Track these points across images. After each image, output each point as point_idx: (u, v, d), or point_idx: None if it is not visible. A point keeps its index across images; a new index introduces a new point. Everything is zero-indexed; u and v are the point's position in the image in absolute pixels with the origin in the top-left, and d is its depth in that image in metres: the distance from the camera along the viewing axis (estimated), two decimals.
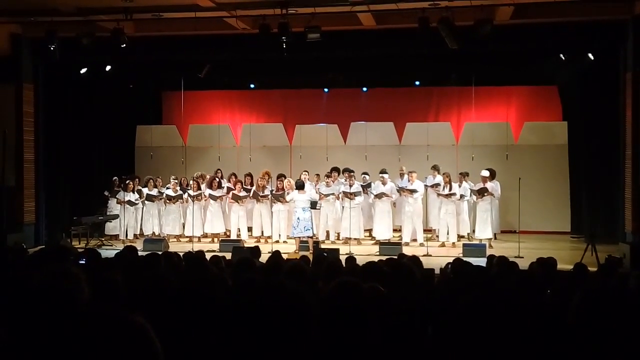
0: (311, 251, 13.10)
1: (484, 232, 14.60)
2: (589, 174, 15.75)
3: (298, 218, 14.11)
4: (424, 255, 11.94)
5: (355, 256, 9.59)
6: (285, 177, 15.27)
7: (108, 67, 16.42)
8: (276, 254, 8.60)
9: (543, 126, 17.35)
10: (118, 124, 18.12)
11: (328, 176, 15.28)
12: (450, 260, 8.02)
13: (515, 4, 12.17)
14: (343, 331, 2.72)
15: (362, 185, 15.12)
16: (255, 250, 10.11)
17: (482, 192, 14.55)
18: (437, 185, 14.97)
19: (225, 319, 2.94)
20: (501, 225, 16.13)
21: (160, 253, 7.27)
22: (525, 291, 5.37)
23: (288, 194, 14.67)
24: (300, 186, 14.38)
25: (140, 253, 7.55)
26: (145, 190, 16.14)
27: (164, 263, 6.19)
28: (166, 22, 13.80)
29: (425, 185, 15.14)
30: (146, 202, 16.10)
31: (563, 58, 15.09)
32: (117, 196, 15.98)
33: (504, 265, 7.04)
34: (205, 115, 19.49)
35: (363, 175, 15.41)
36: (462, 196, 14.79)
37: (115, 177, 16.38)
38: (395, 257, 8.02)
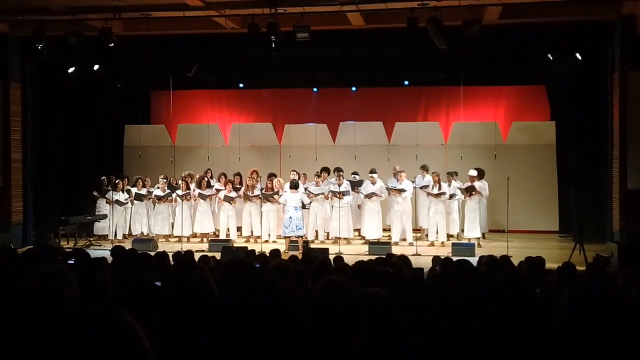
0: (301, 251, 13.10)
1: (473, 231, 14.64)
2: (577, 174, 15.84)
3: (290, 217, 14.04)
4: (413, 255, 11.96)
5: (345, 256, 9.61)
6: (275, 177, 15.25)
7: (96, 67, 16.34)
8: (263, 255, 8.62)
9: (531, 126, 17.42)
10: (106, 124, 18.06)
11: (318, 176, 15.24)
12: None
13: (504, 4, 12.22)
14: (332, 330, 2.72)
15: (352, 183, 15.11)
16: (245, 250, 10.12)
17: (469, 191, 14.58)
18: (426, 186, 14.99)
19: (215, 318, 2.93)
20: (490, 225, 16.16)
21: (152, 254, 7.25)
22: (514, 290, 5.39)
23: (280, 194, 14.67)
24: (294, 185, 14.35)
25: None
26: (134, 190, 16.07)
27: (154, 263, 6.17)
28: (155, 21, 13.75)
29: (415, 187, 15.15)
30: (135, 201, 16.02)
31: (551, 58, 15.14)
32: (105, 196, 15.91)
33: (494, 264, 7.06)
34: (194, 114, 19.45)
35: (353, 175, 15.42)
36: (451, 196, 14.82)
37: (104, 177, 16.31)
38: (384, 256, 8.04)
